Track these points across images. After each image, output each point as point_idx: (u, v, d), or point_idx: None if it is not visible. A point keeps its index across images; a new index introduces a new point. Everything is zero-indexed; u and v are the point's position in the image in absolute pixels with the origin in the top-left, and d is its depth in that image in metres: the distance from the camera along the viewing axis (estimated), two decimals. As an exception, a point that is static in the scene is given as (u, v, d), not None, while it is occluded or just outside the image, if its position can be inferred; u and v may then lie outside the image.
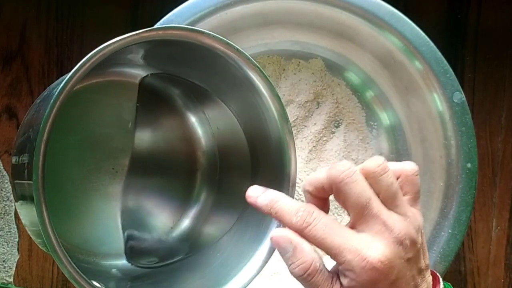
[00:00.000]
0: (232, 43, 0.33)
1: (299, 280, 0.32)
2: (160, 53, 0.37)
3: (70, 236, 0.40)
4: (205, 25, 0.45)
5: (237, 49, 0.34)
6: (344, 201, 0.32)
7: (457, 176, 0.47)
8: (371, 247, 0.30)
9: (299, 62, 0.53)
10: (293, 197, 0.36)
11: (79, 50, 0.53)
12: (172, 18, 0.44)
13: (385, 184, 0.32)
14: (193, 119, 0.45)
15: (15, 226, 0.53)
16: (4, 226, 0.53)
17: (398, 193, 0.32)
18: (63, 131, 0.39)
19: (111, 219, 0.42)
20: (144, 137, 0.44)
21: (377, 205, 0.31)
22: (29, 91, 0.53)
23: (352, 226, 0.32)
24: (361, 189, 0.31)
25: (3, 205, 0.53)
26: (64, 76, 0.33)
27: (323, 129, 0.53)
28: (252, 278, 0.35)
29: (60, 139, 0.40)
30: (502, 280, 0.57)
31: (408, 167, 0.34)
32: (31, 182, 0.28)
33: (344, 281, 0.31)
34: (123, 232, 0.42)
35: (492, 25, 0.56)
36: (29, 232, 0.37)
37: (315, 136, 0.52)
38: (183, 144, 0.45)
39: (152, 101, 0.43)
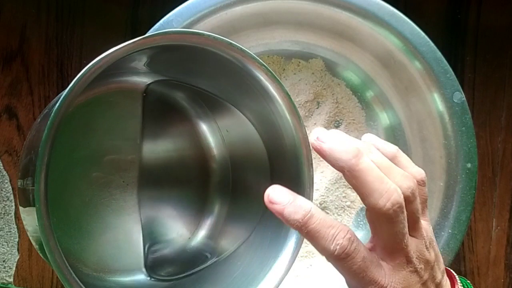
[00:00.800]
0: (235, 43, 0.32)
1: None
2: (164, 59, 0.36)
3: (85, 255, 0.39)
4: (205, 25, 0.45)
5: (241, 49, 0.32)
6: (377, 227, 0.30)
7: (457, 176, 0.47)
8: (392, 281, 0.30)
9: (299, 62, 0.53)
10: None
11: (79, 50, 0.53)
12: (172, 18, 0.44)
13: (413, 210, 0.31)
14: (203, 126, 0.44)
15: (15, 226, 0.53)
16: (4, 226, 0.53)
17: (420, 217, 0.32)
18: (67, 147, 0.38)
19: (125, 233, 0.41)
20: (153, 147, 0.42)
21: (407, 239, 0.30)
22: (29, 91, 0.53)
23: (373, 248, 0.31)
24: (403, 226, 0.30)
25: (3, 205, 0.53)
26: (61, 93, 0.32)
27: (323, 129, 0.53)
28: (276, 287, 0.34)
29: (65, 156, 0.39)
30: (502, 280, 0.57)
31: (418, 175, 0.33)
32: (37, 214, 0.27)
33: None
34: (143, 245, 0.41)
35: (492, 25, 0.56)
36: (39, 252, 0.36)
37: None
38: (194, 152, 0.44)
39: (158, 109, 0.42)
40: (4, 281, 0.53)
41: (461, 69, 0.56)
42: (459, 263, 0.56)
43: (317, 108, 0.53)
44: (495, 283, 0.57)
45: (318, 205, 0.51)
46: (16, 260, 0.53)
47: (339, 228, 0.29)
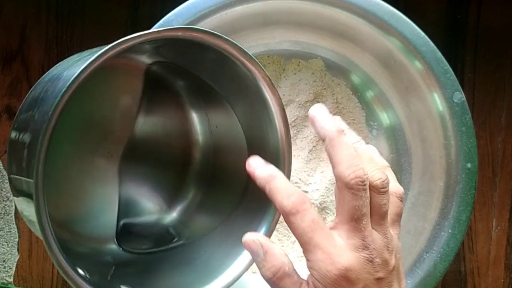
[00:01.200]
0: (238, 45, 0.33)
1: (269, 283, 0.32)
2: (171, 45, 0.37)
3: (59, 214, 0.40)
4: (205, 25, 0.45)
5: (246, 52, 0.34)
6: (340, 200, 0.32)
7: (457, 176, 0.47)
8: (343, 255, 0.31)
9: (299, 62, 0.53)
10: None
11: (79, 50, 0.53)
12: (172, 18, 0.44)
13: (380, 202, 0.32)
14: (195, 116, 0.45)
15: (15, 226, 0.53)
16: (4, 226, 0.53)
17: (386, 214, 0.33)
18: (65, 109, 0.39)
19: (103, 202, 0.42)
20: (143, 125, 0.43)
21: (366, 221, 0.32)
22: (29, 91, 0.53)
23: (334, 227, 0.32)
24: (362, 204, 0.31)
25: (3, 205, 0.53)
26: (72, 57, 0.33)
27: (323, 129, 0.53)
28: (232, 283, 0.35)
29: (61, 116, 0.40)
30: (502, 280, 0.57)
31: (397, 190, 0.35)
32: (30, 170, 0.28)
33: (310, 280, 0.31)
34: (117, 216, 0.42)
35: (492, 25, 0.56)
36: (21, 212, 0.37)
37: (315, 136, 0.52)
38: (181, 138, 0.45)
39: (155, 89, 0.43)
40: (4, 281, 0.53)
41: (461, 69, 0.56)
42: (459, 263, 0.56)
43: (317, 108, 0.53)
44: (495, 283, 0.57)
45: (318, 205, 0.51)
46: (16, 260, 0.53)
47: (297, 192, 0.32)
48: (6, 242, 0.53)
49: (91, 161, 0.42)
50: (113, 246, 0.42)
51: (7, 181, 0.53)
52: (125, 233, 0.42)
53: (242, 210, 0.39)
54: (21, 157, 0.31)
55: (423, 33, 0.46)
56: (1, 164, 0.53)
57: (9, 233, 0.53)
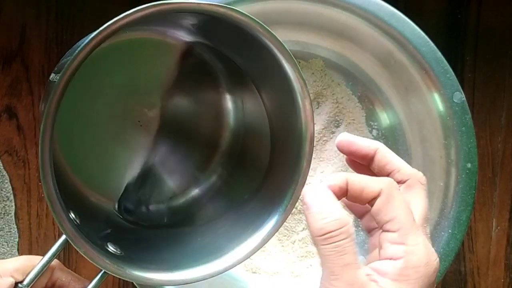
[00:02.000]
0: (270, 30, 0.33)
1: (320, 241, 0.28)
2: (211, 25, 0.37)
3: (74, 166, 0.41)
4: (205, 25, 0.45)
5: (285, 47, 0.33)
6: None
7: (457, 176, 0.47)
8: None
9: (299, 62, 0.53)
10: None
11: (79, 50, 0.53)
12: (172, 18, 0.44)
13: None
14: (229, 98, 0.44)
15: (15, 226, 0.53)
16: (4, 226, 0.53)
17: None
18: (102, 70, 0.40)
19: (120, 166, 0.43)
20: (177, 102, 0.44)
21: None
22: (29, 91, 0.53)
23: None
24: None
25: (3, 205, 0.53)
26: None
27: (323, 129, 0.53)
28: (230, 267, 0.35)
29: (97, 77, 0.41)
30: (502, 280, 0.57)
31: None
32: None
33: None
34: (129, 184, 0.43)
35: (492, 25, 0.56)
36: None
37: (315, 136, 0.52)
38: (213, 120, 0.45)
39: (195, 69, 0.43)
40: (4, 281, 0.53)
41: (461, 69, 0.56)
42: (459, 263, 0.56)
43: (317, 108, 0.53)
44: (495, 283, 0.57)
45: (318, 205, 0.51)
46: (16, 260, 0.53)
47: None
48: (6, 242, 0.53)
49: (121, 126, 0.42)
50: (112, 211, 0.42)
51: (7, 181, 0.53)
52: (130, 202, 0.43)
53: (256, 197, 0.39)
54: (47, 98, 0.32)
55: (423, 33, 0.46)
56: (1, 164, 0.53)
57: (9, 233, 0.53)
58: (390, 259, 0.28)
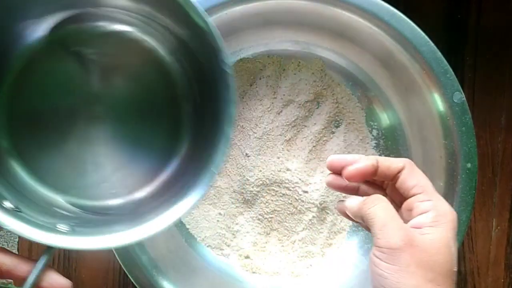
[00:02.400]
0: None
1: (369, 204, 0.35)
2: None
3: (34, 164, 0.42)
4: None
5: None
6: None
7: (457, 176, 0.47)
8: None
9: (299, 62, 0.53)
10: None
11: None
12: (172, 18, 0.44)
13: None
14: (167, 58, 0.44)
15: (15, 226, 0.53)
16: (4, 226, 0.53)
17: None
18: (45, 69, 0.41)
19: (79, 161, 0.43)
20: (121, 83, 0.43)
21: None
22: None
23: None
24: None
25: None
26: None
27: (323, 129, 0.53)
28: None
29: (44, 77, 0.41)
30: (502, 280, 0.57)
31: None
32: None
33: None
34: (89, 178, 0.43)
35: (492, 25, 0.56)
36: None
37: (315, 136, 0.52)
38: (162, 86, 0.44)
39: (123, 46, 0.43)
40: (4, 281, 0.53)
41: (461, 69, 0.56)
42: (459, 263, 0.56)
43: (317, 108, 0.53)
44: (495, 283, 0.57)
45: (318, 205, 0.51)
46: (16, 260, 0.53)
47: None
48: (6, 242, 0.53)
49: (73, 124, 0.42)
50: (65, 203, 0.42)
51: (7, 181, 0.53)
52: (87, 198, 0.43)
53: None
54: None
55: (423, 33, 0.46)
56: (1, 164, 0.53)
57: (9, 233, 0.53)
58: (422, 213, 0.35)
